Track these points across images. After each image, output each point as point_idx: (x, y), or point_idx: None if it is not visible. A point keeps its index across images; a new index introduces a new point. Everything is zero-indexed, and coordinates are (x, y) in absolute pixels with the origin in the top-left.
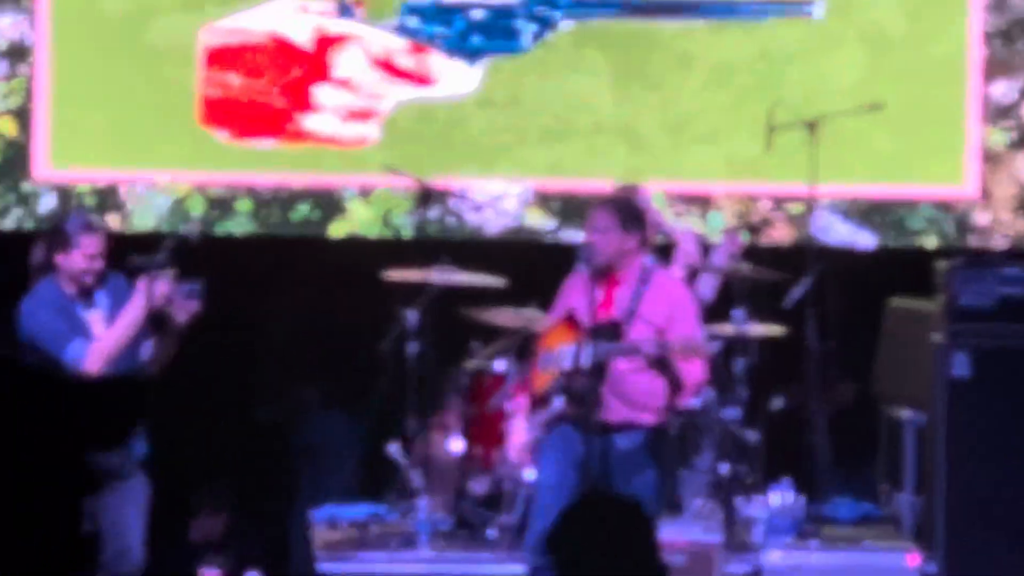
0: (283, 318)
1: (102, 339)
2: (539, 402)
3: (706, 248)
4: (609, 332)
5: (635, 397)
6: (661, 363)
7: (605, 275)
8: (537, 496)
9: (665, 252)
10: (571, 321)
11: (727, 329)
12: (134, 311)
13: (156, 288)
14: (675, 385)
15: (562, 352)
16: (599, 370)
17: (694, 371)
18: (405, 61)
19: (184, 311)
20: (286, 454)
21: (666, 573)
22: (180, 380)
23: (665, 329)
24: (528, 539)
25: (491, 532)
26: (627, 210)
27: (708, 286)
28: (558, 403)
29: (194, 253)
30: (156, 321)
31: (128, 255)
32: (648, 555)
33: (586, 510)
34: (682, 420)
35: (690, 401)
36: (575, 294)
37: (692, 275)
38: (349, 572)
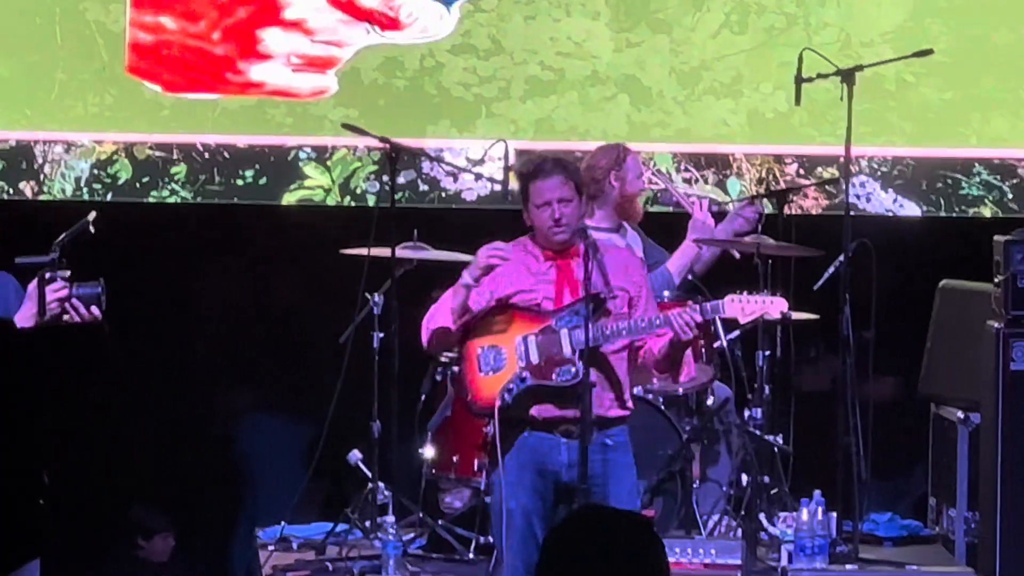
0: (225, 304)
1: None
2: (490, 412)
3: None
4: (592, 310)
5: (619, 384)
6: (698, 333)
7: (550, 251)
8: (510, 526)
9: (673, 229)
10: (513, 309)
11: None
12: (22, 319)
13: (49, 293)
14: (681, 360)
15: (518, 346)
16: (594, 356)
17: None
18: (368, 0)
19: (80, 318)
20: (226, 464)
21: None
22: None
23: (637, 298)
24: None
25: (470, 554)
26: (577, 174)
27: (700, 260)
28: (535, 411)
29: (117, 228)
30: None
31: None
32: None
33: (579, 527)
34: (696, 423)
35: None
36: (512, 275)
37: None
38: None
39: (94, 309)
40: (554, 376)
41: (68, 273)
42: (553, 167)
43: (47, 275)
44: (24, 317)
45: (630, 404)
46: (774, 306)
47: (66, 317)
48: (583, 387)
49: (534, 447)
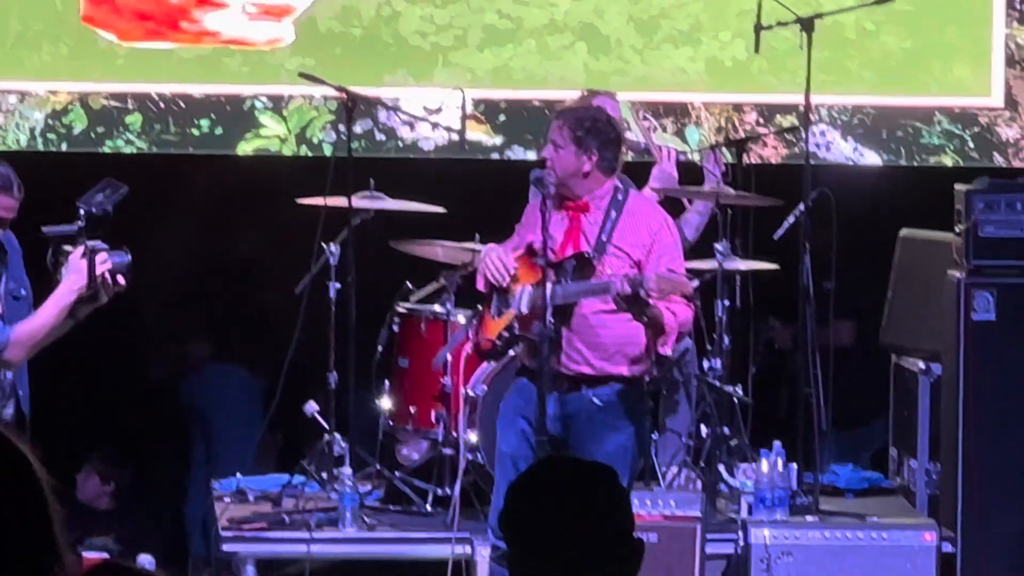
0: (180, 254)
1: (29, 323)
2: (488, 354)
3: (687, 170)
4: (576, 268)
5: (608, 344)
6: (636, 303)
7: (568, 202)
8: (498, 467)
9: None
10: (532, 257)
11: (707, 265)
12: (68, 292)
13: (98, 265)
14: (655, 328)
15: (519, 293)
16: (563, 313)
17: (678, 311)
18: None
19: (110, 290)
20: (180, 416)
21: (641, 551)
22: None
23: (643, 263)
24: (491, 517)
25: (427, 506)
26: (585, 123)
27: (691, 224)
28: (516, 353)
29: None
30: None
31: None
32: (620, 529)
33: (542, 477)
34: (654, 374)
35: (672, 348)
36: (535, 223)
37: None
38: (259, 554)
39: (120, 279)
40: (531, 328)
41: (104, 244)
42: (559, 111)
43: (89, 245)
44: (68, 291)
45: (627, 367)
46: (686, 287)
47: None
48: (540, 339)
49: (526, 394)
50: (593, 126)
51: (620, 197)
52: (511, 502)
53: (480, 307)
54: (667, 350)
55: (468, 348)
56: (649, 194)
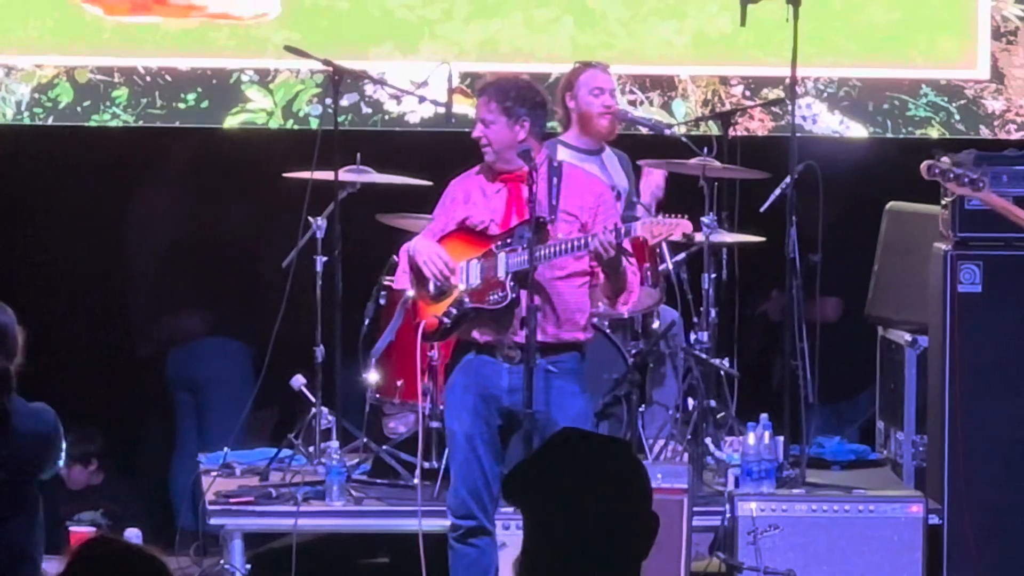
0: (166, 228)
1: None
2: (435, 334)
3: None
4: (534, 234)
5: (561, 311)
6: (616, 257)
7: (504, 174)
8: (450, 446)
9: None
10: (468, 232)
11: (694, 238)
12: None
13: None
14: (620, 284)
15: (464, 269)
16: (521, 281)
17: (634, 271)
18: None
19: None
20: (167, 390)
21: (656, 527)
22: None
23: (589, 224)
24: (448, 497)
25: (414, 480)
26: (510, 92)
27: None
28: (476, 334)
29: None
30: None
31: None
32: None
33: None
34: (642, 347)
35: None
36: (464, 200)
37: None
38: (246, 527)
39: None
40: (488, 299)
41: None
42: (481, 88)
43: None
44: None
45: (580, 333)
46: (679, 228)
47: None
48: (529, 312)
49: (477, 369)
50: (518, 94)
51: (555, 164)
52: (527, 481)
53: (410, 292)
54: (626, 309)
55: None
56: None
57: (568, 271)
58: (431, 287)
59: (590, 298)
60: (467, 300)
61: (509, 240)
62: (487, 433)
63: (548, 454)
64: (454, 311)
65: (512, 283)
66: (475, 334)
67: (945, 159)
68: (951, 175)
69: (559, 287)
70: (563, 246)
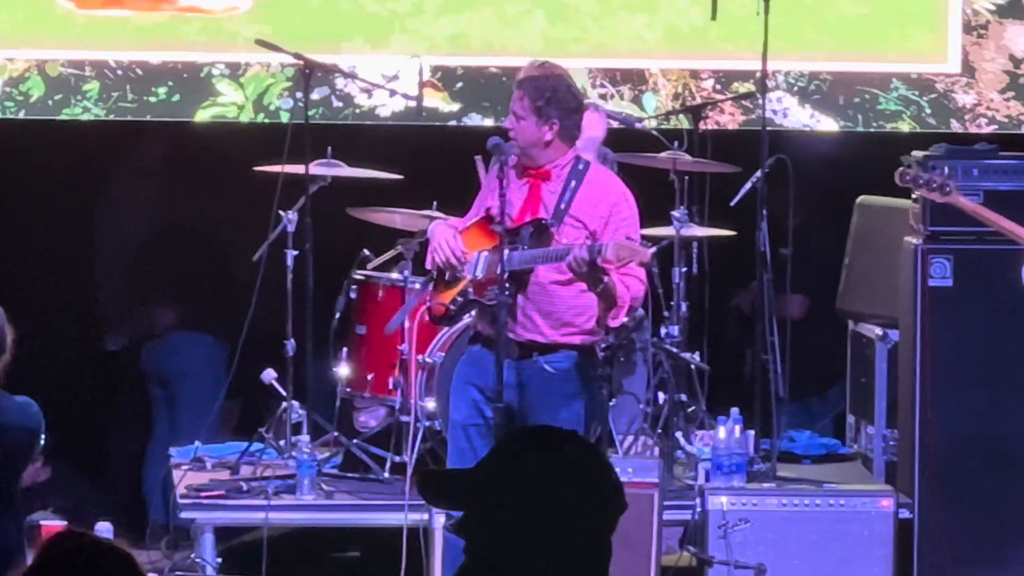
0: (137, 221)
1: None
2: (442, 319)
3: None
4: (533, 235)
5: (560, 314)
6: (592, 272)
7: (530, 169)
8: (449, 435)
9: None
10: (489, 223)
11: (664, 232)
12: None
13: None
14: (607, 300)
15: (475, 259)
16: (518, 280)
17: (631, 285)
18: None
19: None
20: (139, 384)
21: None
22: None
23: (598, 233)
24: None
25: (385, 474)
26: (545, 93)
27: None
28: (468, 320)
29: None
30: None
31: None
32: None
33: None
34: (612, 340)
35: (622, 320)
36: (492, 190)
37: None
38: (217, 521)
39: None
40: (486, 294)
41: None
42: (520, 80)
43: None
44: None
45: (579, 337)
46: (639, 255)
47: None
48: (497, 305)
49: (479, 362)
50: (554, 95)
51: (581, 167)
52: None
53: (434, 272)
54: (616, 323)
55: (427, 316)
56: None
57: (567, 276)
58: (447, 272)
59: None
60: (471, 291)
61: (515, 238)
62: (483, 426)
63: (498, 455)
64: (460, 299)
65: (508, 282)
66: (479, 327)
67: (912, 167)
68: (920, 180)
69: (559, 291)
70: (542, 254)
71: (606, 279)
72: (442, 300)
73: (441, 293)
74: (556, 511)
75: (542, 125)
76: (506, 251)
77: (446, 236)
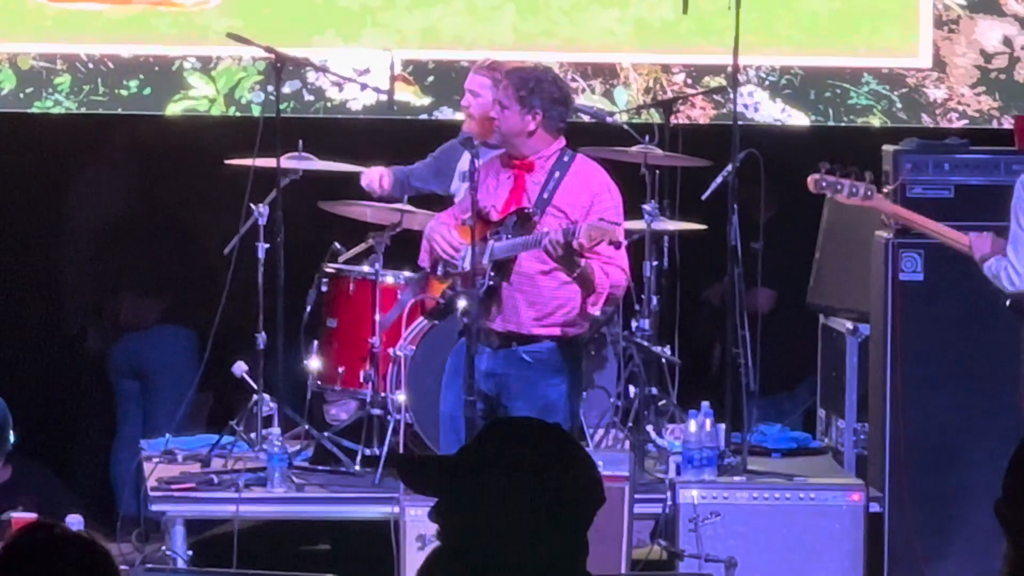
0: (108, 215)
1: None
2: (434, 313)
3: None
4: (516, 224)
5: (543, 304)
6: (568, 256)
7: (514, 160)
8: (440, 426)
9: None
10: (481, 216)
11: (635, 225)
12: None
13: None
14: (586, 285)
15: (463, 252)
16: (502, 269)
17: (611, 272)
18: None
19: None
20: (108, 377)
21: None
22: None
23: (580, 222)
24: None
25: (356, 466)
26: (529, 82)
27: None
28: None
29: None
30: None
31: None
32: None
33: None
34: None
35: (601, 307)
36: (484, 181)
37: None
38: (188, 514)
39: None
40: (474, 284)
41: None
42: (506, 71)
43: None
44: None
45: (561, 328)
46: (608, 234)
47: None
48: (468, 300)
49: (464, 353)
50: (537, 85)
51: (566, 159)
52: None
53: (427, 268)
54: (596, 310)
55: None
56: None
57: (551, 266)
58: (439, 267)
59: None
60: (459, 284)
61: (499, 228)
62: (472, 416)
63: (479, 444)
64: (449, 292)
65: (492, 271)
66: (463, 319)
67: (826, 173)
68: (838, 187)
69: (541, 281)
70: (521, 242)
71: (583, 263)
72: (433, 294)
73: (433, 287)
74: (533, 502)
75: (525, 114)
76: (490, 242)
77: (441, 231)
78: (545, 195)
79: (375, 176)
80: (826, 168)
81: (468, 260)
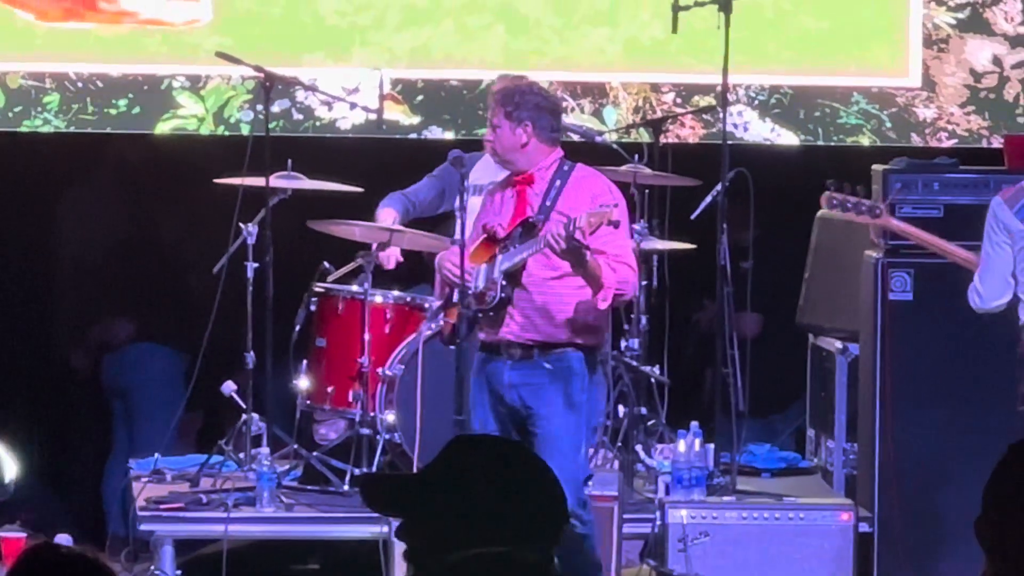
0: (97, 234)
1: None
2: (452, 339)
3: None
4: (523, 234)
5: (556, 312)
6: (572, 251)
7: (515, 177)
8: None
9: None
10: (489, 240)
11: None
12: None
13: None
14: (592, 281)
15: (476, 274)
16: (512, 281)
17: (618, 269)
18: None
19: None
20: (99, 396)
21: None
22: None
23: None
24: None
25: (345, 486)
26: (514, 97)
27: None
28: (481, 335)
29: None
30: None
31: None
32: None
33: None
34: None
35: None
36: (488, 205)
37: None
38: (177, 533)
39: None
40: (486, 300)
41: None
42: (492, 93)
43: None
44: None
45: (579, 336)
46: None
47: None
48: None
49: (485, 367)
50: (522, 98)
51: (566, 168)
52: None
53: (444, 296)
54: (605, 305)
55: (387, 329)
56: None
57: (560, 272)
58: (454, 295)
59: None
60: (473, 304)
61: (507, 242)
62: (499, 429)
63: (441, 463)
64: (463, 312)
65: (503, 282)
66: (481, 335)
67: (836, 191)
68: (849, 205)
69: (555, 287)
70: (526, 248)
71: (588, 255)
72: (449, 319)
73: (450, 313)
74: (496, 521)
75: (516, 128)
76: (499, 257)
77: (451, 259)
78: (548, 202)
79: (391, 254)
80: (835, 186)
81: (481, 279)
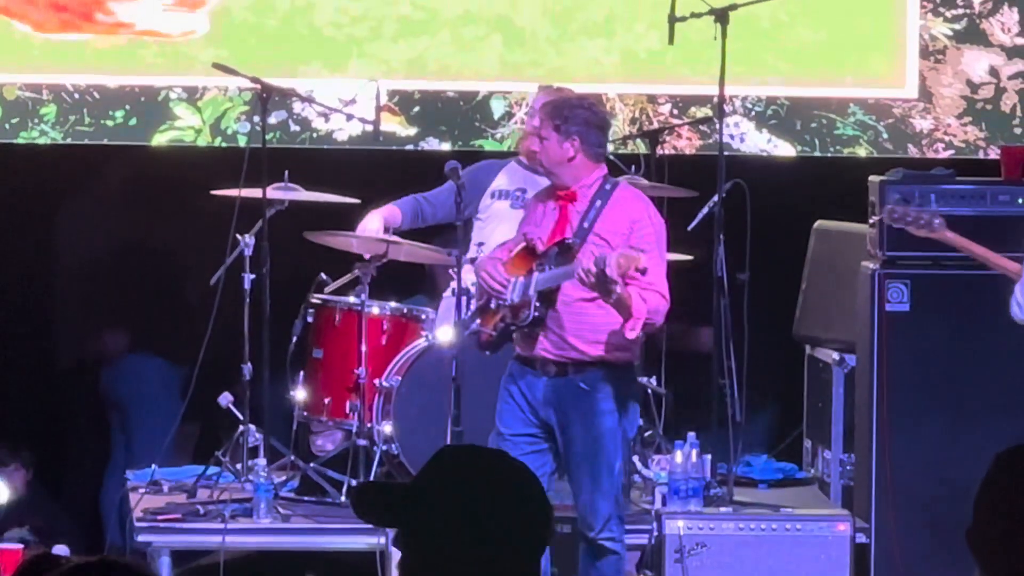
0: (94, 245)
1: None
2: (488, 345)
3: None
4: (559, 255)
5: (588, 331)
6: (602, 283)
7: (559, 191)
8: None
9: None
10: (527, 250)
11: (678, 257)
12: None
13: None
14: (622, 311)
15: (511, 285)
16: (547, 300)
17: (649, 299)
18: None
19: None
20: (96, 407)
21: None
22: None
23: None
24: None
25: (342, 497)
26: (563, 111)
27: None
28: (424, 344)
29: None
30: None
31: None
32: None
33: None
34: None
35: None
36: (530, 216)
37: None
38: (174, 544)
39: None
40: (520, 316)
41: None
42: (542, 105)
43: None
44: None
45: (612, 353)
46: (635, 261)
47: None
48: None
49: (521, 378)
50: (572, 113)
51: (608, 187)
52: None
53: (480, 303)
54: (633, 335)
55: (384, 340)
56: None
57: (594, 294)
58: (491, 302)
59: None
60: (508, 316)
61: (543, 259)
62: (532, 439)
63: (429, 473)
64: (501, 325)
65: (537, 302)
66: (518, 348)
67: (900, 205)
68: (909, 218)
69: (586, 307)
70: (561, 272)
71: (617, 289)
72: (485, 327)
73: (487, 320)
74: (484, 530)
75: (564, 142)
76: (535, 273)
77: (488, 267)
78: (586, 224)
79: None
80: (896, 199)
81: (517, 292)
